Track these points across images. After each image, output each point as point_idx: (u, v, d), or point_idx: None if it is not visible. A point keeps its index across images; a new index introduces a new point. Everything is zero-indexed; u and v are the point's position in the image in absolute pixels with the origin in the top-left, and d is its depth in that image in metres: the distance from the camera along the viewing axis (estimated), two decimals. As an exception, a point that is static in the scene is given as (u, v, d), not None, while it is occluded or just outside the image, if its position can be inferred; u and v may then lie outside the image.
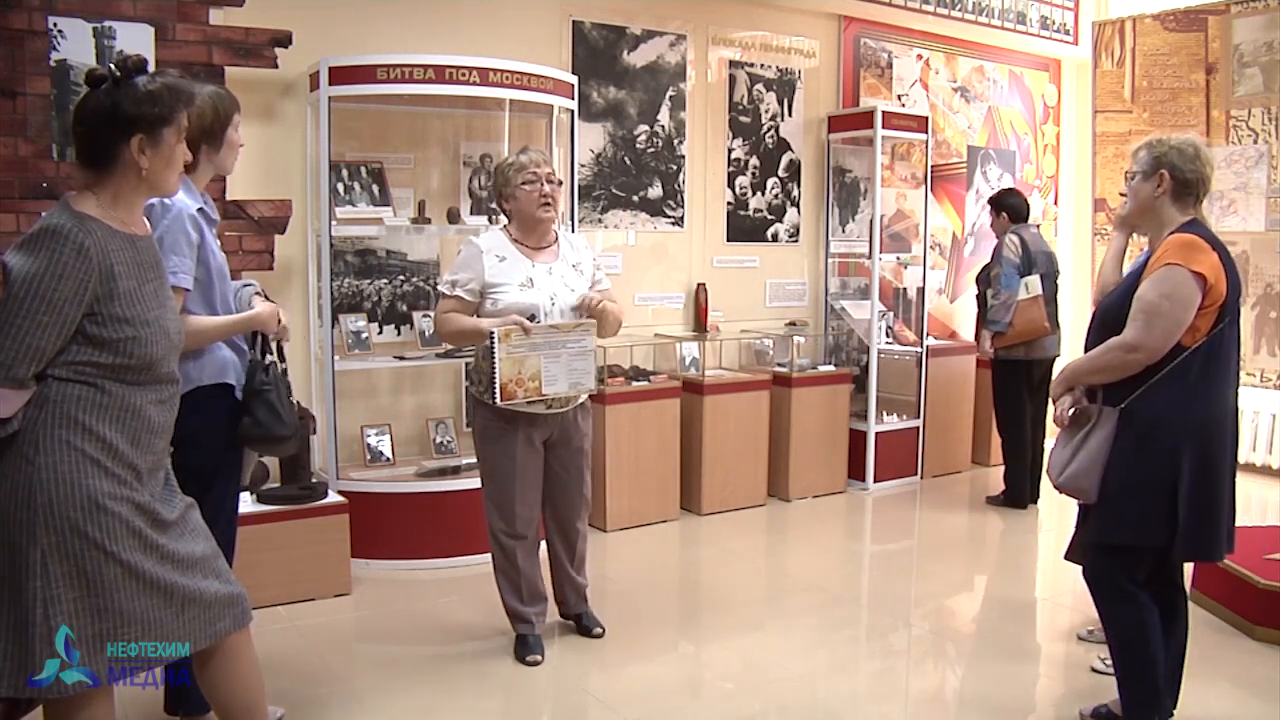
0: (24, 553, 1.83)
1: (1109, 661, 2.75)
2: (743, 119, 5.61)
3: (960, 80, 6.57)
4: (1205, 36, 6.14)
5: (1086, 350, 2.64)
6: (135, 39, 3.63)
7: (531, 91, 4.22)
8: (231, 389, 2.52)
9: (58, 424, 1.86)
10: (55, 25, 3.53)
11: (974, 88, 6.66)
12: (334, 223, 4.09)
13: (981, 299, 5.30)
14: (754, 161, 5.67)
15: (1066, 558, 3.03)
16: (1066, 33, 6.93)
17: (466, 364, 4.56)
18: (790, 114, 5.78)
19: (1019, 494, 5.23)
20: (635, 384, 4.81)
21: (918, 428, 5.82)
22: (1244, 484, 5.85)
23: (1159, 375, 2.47)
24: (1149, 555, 2.56)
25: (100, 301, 1.86)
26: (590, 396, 3.30)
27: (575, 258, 3.20)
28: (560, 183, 3.15)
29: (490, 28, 4.65)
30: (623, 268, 5.12)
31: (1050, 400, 2.79)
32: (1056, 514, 5.09)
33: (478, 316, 3.05)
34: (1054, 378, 2.76)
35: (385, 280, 4.48)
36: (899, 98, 6.21)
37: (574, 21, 4.95)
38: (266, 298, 2.71)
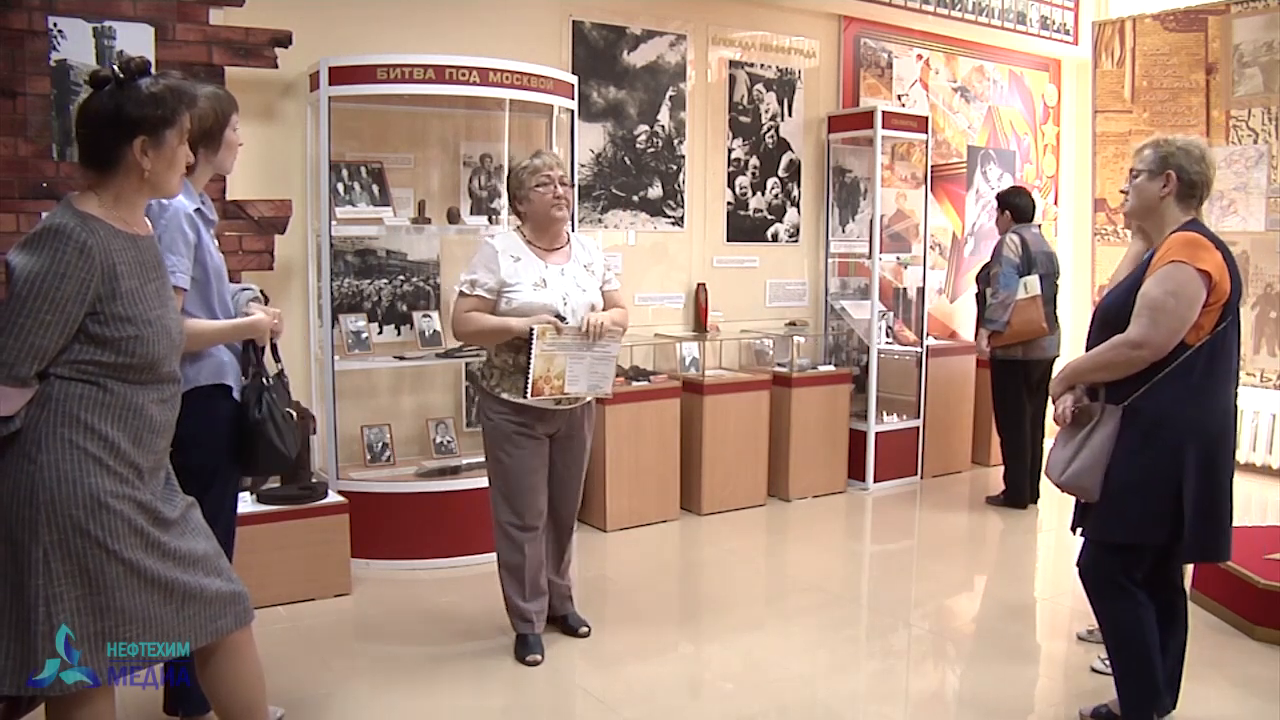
0: (26, 551, 1.83)
1: (1108, 661, 2.75)
2: (743, 119, 5.61)
3: (960, 80, 6.57)
4: (1205, 36, 6.14)
5: (1088, 348, 2.63)
6: (135, 39, 3.63)
7: (531, 91, 4.22)
8: (229, 390, 2.52)
9: (60, 422, 1.86)
10: (55, 25, 3.53)
11: (974, 88, 6.66)
12: (334, 223, 4.09)
13: (981, 298, 5.31)
14: (754, 161, 5.67)
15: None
16: (1066, 33, 6.94)
17: (467, 364, 4.57)
18: (790, 114, 5.78)
19: (1019, 494, 5.23)
20: (635, 384, 4.81)
21: (918, 428, 5.82)
22: (1244, 484, 5.87)
23: (1163, 373, 2.46)
24: (1150, 554, 2.55)
25: (103, 300, 1.86)
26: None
27: (587, 259, 3.26)
28: (570, 185, 3.22)
29: (490, 28, 4.65)
30: (623, 268, 5.12)
31: (1050, 399, 2.78)
32: (1056, 514, 5.09)
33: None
34: (1054, 376, 2.76)
35: (385, 280, 4.48)
36: (899, 98, 6.21)
37: (574, 21, 4.95)
38: (267, 300, 2.71)
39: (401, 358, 4.33)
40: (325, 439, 4.12)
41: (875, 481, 5.61)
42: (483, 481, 4.11)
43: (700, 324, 5.36)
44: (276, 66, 3.95)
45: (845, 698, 3.11)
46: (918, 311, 5.94)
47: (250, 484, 3.66)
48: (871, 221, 5.64)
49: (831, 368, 5.57)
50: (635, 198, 5.22)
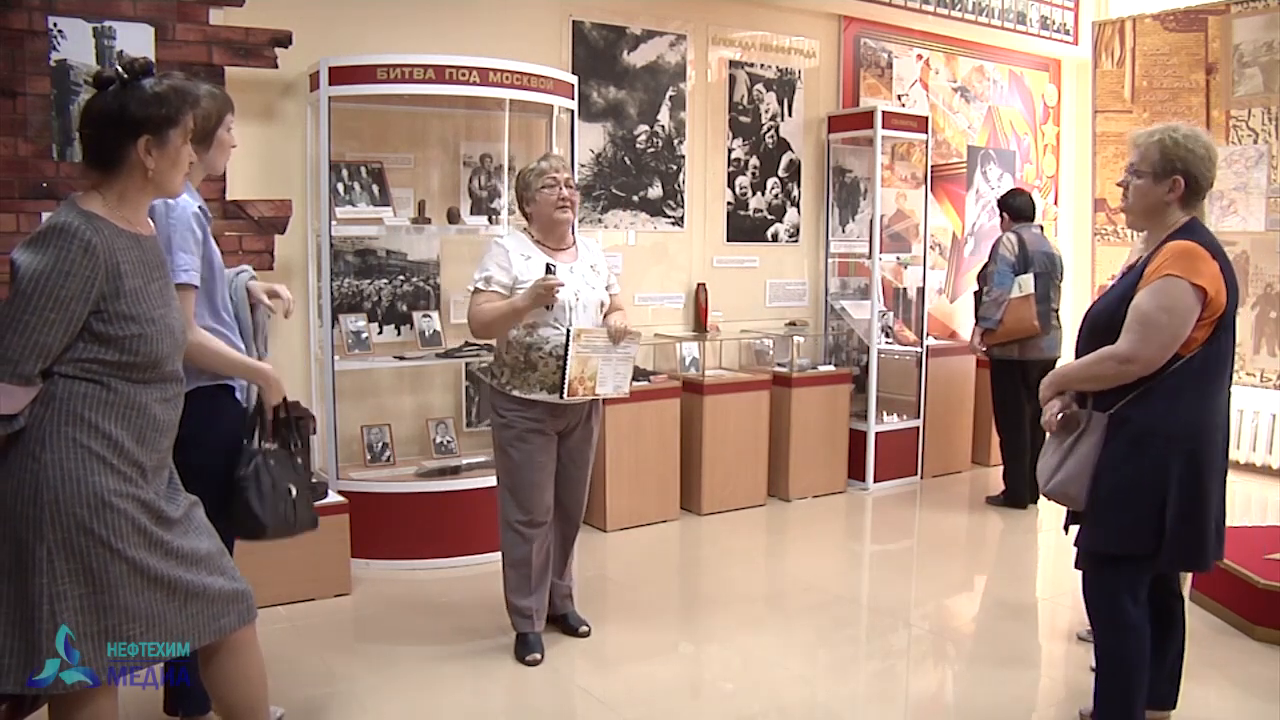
0: (30, 549, 1.84)
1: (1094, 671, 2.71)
2: (743, 119, 5.61)
3: (960, 80, 6.57)
4: (1205, 36, 6.14)
5: (1076, 354, 2.57)
6: (135, 39, 3.63)
7: (531, 91, 4.22)
8: (232, 390, 2.52)
9: (64, 421, 1.87)
10: (55, 25, 3.53)
11: (974, 88, 6.66)
12: (334, 223, 4.09)
13: (979, 296, 5.31)
14: (754, 161, 5.67)
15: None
16: (1066, 33, 6.94)
17: (467, 364, 4.57)
18: (790, 114, 5.78)
19: (1018, 494, 5.23)
20: (635, 384, 4.80)
21: (918, 428, 5.82)
22: (1244, 484, 5.88)
23: (1151, 383, 2.40)
24: (1148, 567, 2.48)
25: (107, 299, 1.87)
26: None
27: (592, 259, 3.31)
28: (576, 188, 3.27)
29: (490, 28, 4.65)
30: (623, 268, 5.12)
31: (1040, 403, 2.71)
32: (1056, 514, 5.06)
33: None
34: (1043, 381, 2.69)
35: (385, 280, 4.48)
36: (899, 98, 6.21)
37: (574, 21, 4.95)
38: (268, 297, 2.70)
39: (401, 358, 4.33)
40: (325, 439, 4.12)
41: (875, 481, 5.61)
42: (483, 481, 4.14)
43: (700, 324, 5.37)
44: (276, 66, 3.95)
45: (845, 698, 3.11)
46: (918, 311, 5.94)
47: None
48: (871, 221, 5.64)
49: (831, 368, 5.57)
50: (635, 198, 5.22)
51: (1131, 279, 2.48)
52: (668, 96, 5.29)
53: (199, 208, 2.45)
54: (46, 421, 1.86)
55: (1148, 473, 2.41)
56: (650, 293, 5.32)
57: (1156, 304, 2.37)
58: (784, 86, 5.74)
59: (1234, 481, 5.73)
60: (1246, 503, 5.50)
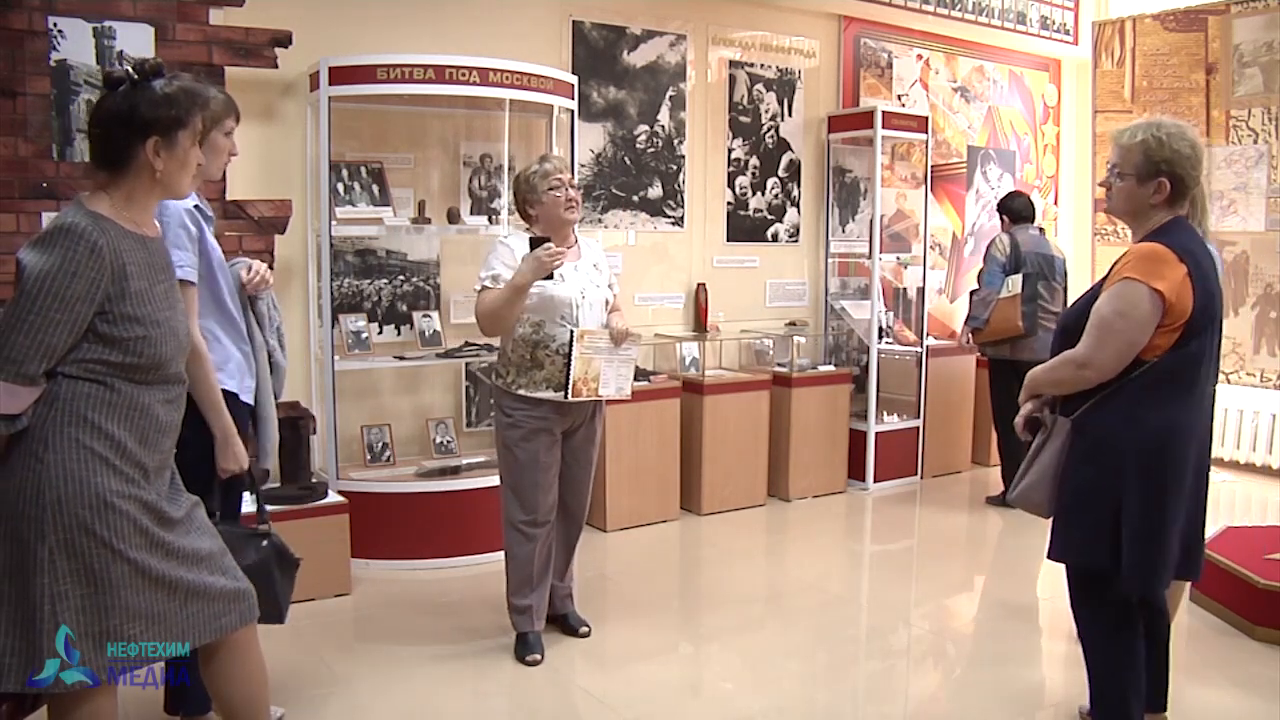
0: (32, 549, 1.84)
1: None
2: (743, 119, 5.61)
3: (960, 80, 6.57)
4: (1205, 36, 6.14)
5: (1051, 356, 2.50)
6: (135, 39, 3.64)
7: (531, 91, 4.22)
8: (235, 395, 2.52)
9: (67, 421, 1.87)
10: (55, 25, 3.53)
11: (974, 88, 6.66)
12: (334, 223, 4.09)
13: (974, 295, 5.34)
14: (754, 161, 5.67)
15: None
16: (1066, 33, 6.93)
17: (467, 363, 4.57)
18: (790, 114, 5.78)
19: (1018, 494, 5.22)
20: (635, 384, 4.80)
21: (918, 428, 5.82)
22: (1244, 484, 5.87)
23: (1110, 389, 2.33)
24: (1115, 585, 2.36)
25: (112, 300, 1.87)
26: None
27: (594, 258, 3.33)
28: (576, 187, 3.29)
29: (490, 28, 4.65)
30: (623, 268, 5.12)
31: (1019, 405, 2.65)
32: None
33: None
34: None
35: (385, 280, 4.48)
36: (899, 98, 6.21)
37: (574, 21, 4.95)
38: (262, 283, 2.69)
39: (401, 358, 4.33)
40: (325, 439, 4.12)
41: (875, 481, 5.61)
42: (483, 481, 4.14)
43: (700, 324, 5.37)
44: (276, 66, 3.95)
45: (845, 698, 3.11)
46: (918, 311, 5.94)
47: (250, 484, 3.66)
48: (871, 221, 5.63)
49: (831, 368, 5.57)
50: (635, 198, 5.22)
51: (1101, 281, 2.42)
52: (668, 96, 5.29)
53: (195, 206, 2.44)
54: (49, 422, 1.86)
55: (1100, 484, 2.33)
56: (650, 293, 5.32)
57: (1112, 309, 2.29)
58: (784, 86, 5.74)
59: (1234, 481, 5.80)
60: (1247, 503, 5.50)
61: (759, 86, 5.65)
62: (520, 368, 3.16)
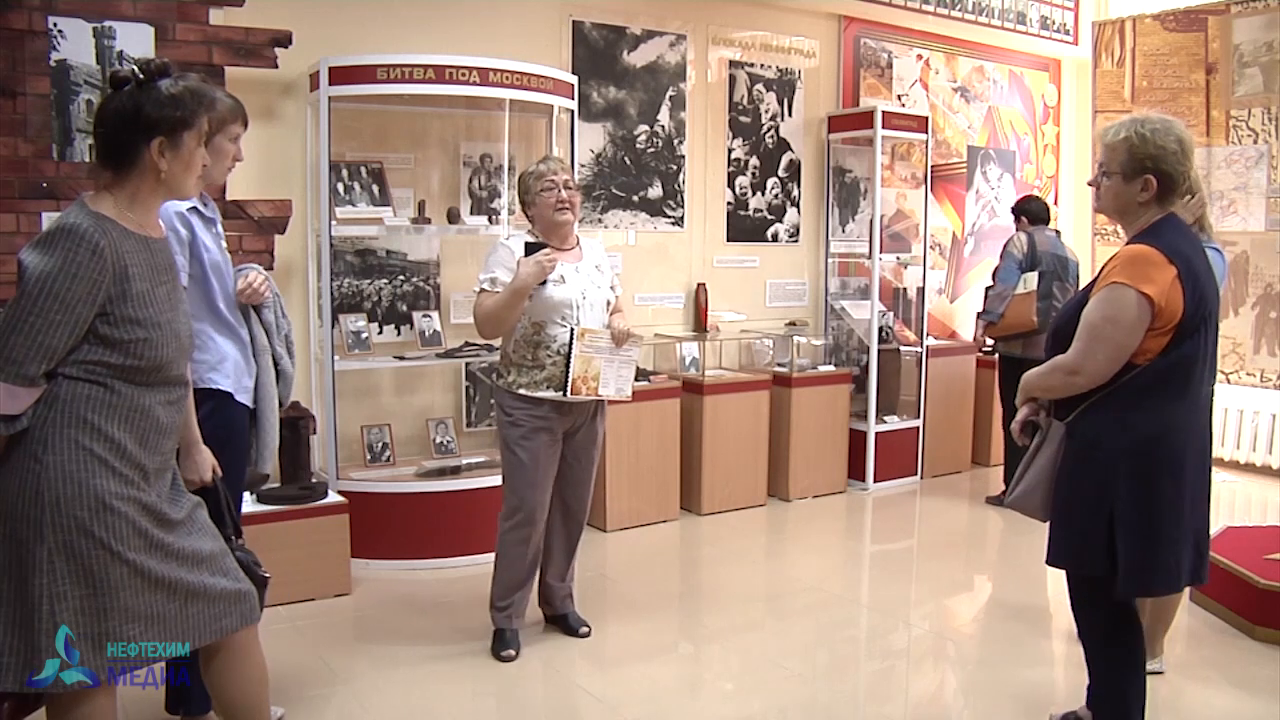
0: (31, 550, 1.84)
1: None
2: (743, 119, 5.61)
3: (960, 80, 6.57)
4: (1205, 36, 6.14)
5: (1044, 359, 2.47)
6: (135, 39, 3.64)
7: (531, 91, 4.22)
8: (230, 395, 2.52)
9: (67, 423, 1.86)
10: (55, 25, 3.53)
11: (974, 88, 6.66)
12: (334, 223, 4.09)
13: (989, 291, 5.35)
14: (754, 161, 5.67)
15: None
16: (1066, 33, 6.93)
17: (467, 364, 4.57)
18: (790, 114, 5.78)
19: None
20: (635, 384, 4.80)
21: (918, 428, 5.82)
22: (1244, 484, 5.87)
23: (1102, 393, 2.30)
24: (1111, 589, 2.34)
25: (113, 302, 1.87)
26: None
27: (596, 259, 3.34)
28: (577, 188, 3.28)
29: (490, 28, 4.65)
30: (623, 267, 5.12)
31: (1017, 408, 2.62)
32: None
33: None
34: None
35: (385, 280, 4.48)
36: (899, 98, 6.21)
37: (574, 21, 4.95)
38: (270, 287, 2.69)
39: (401, 358, 4.33)
40: (325, 439, 4.12)
41: (875, 481, 5.61)
42: (483, 481, 4.15)
43: (700, 324, 5.36)
44: (276, 66, 3.95)
45: (845, 698, 3.11)
46: (918, 311, 5.94)
47: (250, 484, 3.66)
48: (871, 221, 5.63)
49: (831, 368, 5.57)
50: (635, 198, 5.22)
51: (1091, 284, 2.40)
52: (668, 96, 5.29)
53: (191, 207, 2.43)
54: (49, 423, 1.86)
55: (1094, 487, 2.31)
56: (650, 293, 5.32)
57: (1101, 314, 2.25)
58: (784, 86, 5.74)
59: (1234, 482, 5.79)
60: (1247, 503, 5.50)
61: (759, 86, 5.65)
62: (521, 368, 3.16)
